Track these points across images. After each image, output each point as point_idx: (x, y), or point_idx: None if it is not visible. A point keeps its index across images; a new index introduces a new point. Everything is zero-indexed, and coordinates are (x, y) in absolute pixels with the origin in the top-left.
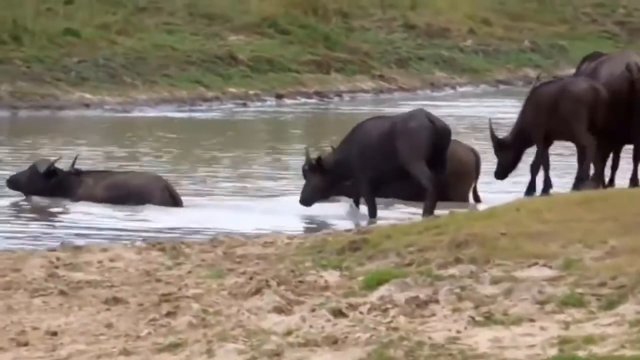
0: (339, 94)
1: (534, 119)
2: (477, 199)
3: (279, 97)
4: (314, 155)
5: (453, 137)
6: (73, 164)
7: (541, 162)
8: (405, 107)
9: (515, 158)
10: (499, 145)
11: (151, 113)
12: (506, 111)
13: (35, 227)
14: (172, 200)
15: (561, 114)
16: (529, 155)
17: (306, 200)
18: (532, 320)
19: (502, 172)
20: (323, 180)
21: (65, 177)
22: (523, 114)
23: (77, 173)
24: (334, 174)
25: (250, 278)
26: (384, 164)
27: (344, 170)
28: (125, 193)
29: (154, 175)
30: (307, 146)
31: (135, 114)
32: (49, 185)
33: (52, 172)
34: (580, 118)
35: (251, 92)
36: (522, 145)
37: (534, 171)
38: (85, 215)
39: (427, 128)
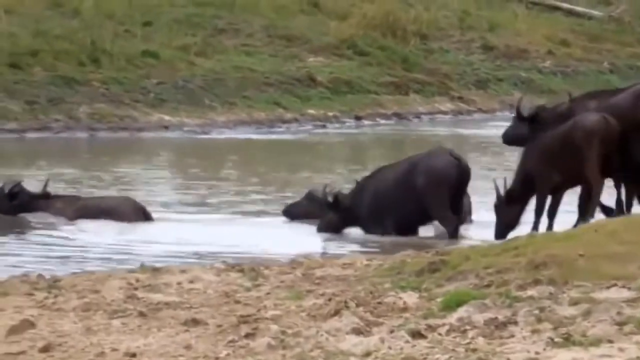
0: (418, 116)
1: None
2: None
3: (358, 118)
4: (337, 188)
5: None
6: (45, 186)
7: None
8: (485, 129)
9: (521, 211)
10: (508, 199)
11: (230, 134)
12: None
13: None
14: (146, 220)
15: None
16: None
17: (321, 229)
18: (610, 342)
19: (504, 231)
20: (338, 218)
21: (31, 199)
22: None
23: (46, 196)
24: (347, 216)
25: (329, 299)
26: (403, 208)
27: (353, 219)
28: (97, 215)
29: (125, 197)
30: (328, 183)
31: (214, 135)
32: (12, 206)
33: (15, 193)
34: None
35: (330, 113)
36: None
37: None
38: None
39: (453, 166)
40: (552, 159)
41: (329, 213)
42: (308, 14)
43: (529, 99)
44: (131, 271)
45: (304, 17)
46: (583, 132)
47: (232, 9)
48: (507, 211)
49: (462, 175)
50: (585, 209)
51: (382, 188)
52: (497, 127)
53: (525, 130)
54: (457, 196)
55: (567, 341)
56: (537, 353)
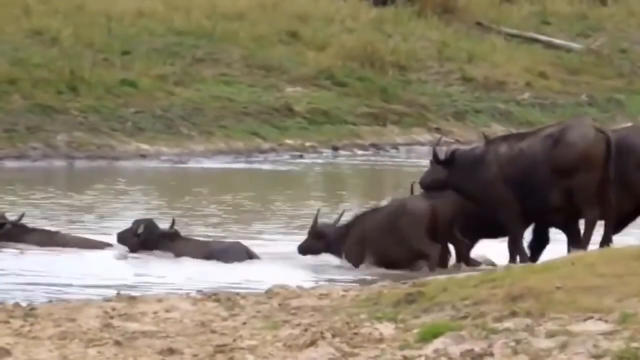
0: (396, 147)
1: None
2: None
3: (335, 149)
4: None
5: None
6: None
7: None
8: None
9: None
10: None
11: (207, 164)
12: None
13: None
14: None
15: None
16: None
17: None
18: None
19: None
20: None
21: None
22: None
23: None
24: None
25: (305, 330)
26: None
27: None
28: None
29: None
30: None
31: (192, 164)
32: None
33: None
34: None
35: (307, 144)
36: None
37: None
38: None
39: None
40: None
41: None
42: (286, 44)
43: (444, 143)
44: (107, 300)
45: (282, 47)
46: (409, 218)
47: (211, 38)
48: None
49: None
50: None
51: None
52: None
53: (443, 174)
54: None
55: None
56: None
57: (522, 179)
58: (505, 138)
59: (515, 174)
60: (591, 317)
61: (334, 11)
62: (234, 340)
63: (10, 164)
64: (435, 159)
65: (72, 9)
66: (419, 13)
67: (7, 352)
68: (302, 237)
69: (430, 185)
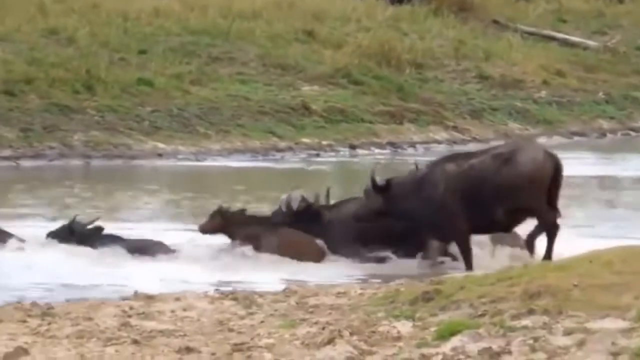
0: (413, 145)
1: None
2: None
3: (352, 147)
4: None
5: None
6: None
7: None
8: None
9: None
10: None
11: (224, 162)
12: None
13: None
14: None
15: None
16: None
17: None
18: None
19: None
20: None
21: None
22: None
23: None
24: None
25: (323, 328)
26: None
27: None
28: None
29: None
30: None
31: (208, 163)
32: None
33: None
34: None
35: (324, 142)
36: None
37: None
38: None
39: None
40: None
41: None
42: (303, 43)
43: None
44: (125, 298)
45: (299, 45)
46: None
47: (227, 37)
48: None
49: None
50: None
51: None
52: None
53: (381, 203)
54: None
55: None
56: None
57: (470, 194)
58: (449, 159)
59: (463, 189)
60: (609, 315)
61: (350, 10)
62: (252, 339)
63: (27, 163)
64: (374, 187)
65: (88, 8)
66: (435, 11)
67: (25, 351)
68: None
69: (364, 217)
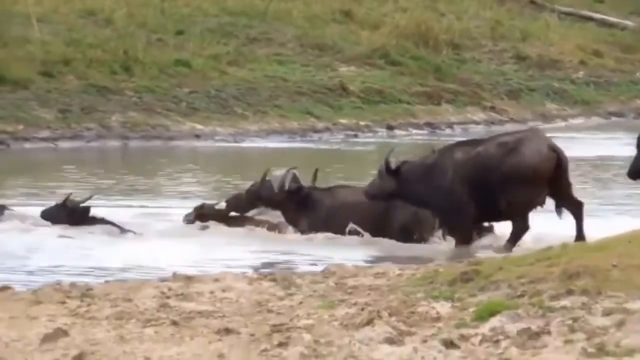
0: (450, 126)
1: None
2: None
3: (390, 128)
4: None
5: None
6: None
7: None
8: None
9: None
10: None
11: (262, 143)
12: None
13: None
14: None
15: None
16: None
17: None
18: None
19: None
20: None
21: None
22: None
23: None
24: None
25: (362, 309)
26: None
27: None
28: None
29: None
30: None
31: (246, 144)
32: None
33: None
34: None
35: (362, 123)
36: None
37: None
38: None
39: None
40: None
41: None
42: (340, 24)
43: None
44: (164, 280)
45: (336, 26)
46: None
47: (265, 18)
48: None
49: None
50: None
51: None
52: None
53: (391, 185)
54: None
55: (601, 351)
56: None
57: (476, 181)
58: (458, 145)
59: (470, 176)
60: None
61: None
62: (291, 320)
63: (65, 144)
64: (387, 169)
65: None
66: None
67: (65, 333)
68: None
69: (376, 196)
